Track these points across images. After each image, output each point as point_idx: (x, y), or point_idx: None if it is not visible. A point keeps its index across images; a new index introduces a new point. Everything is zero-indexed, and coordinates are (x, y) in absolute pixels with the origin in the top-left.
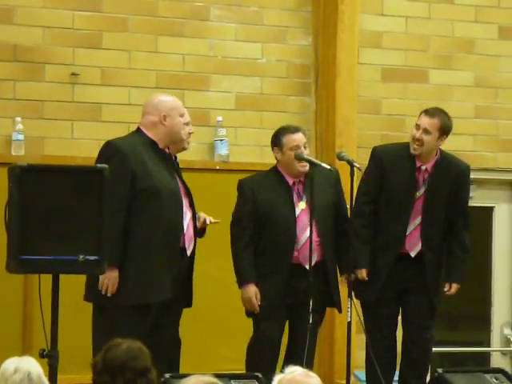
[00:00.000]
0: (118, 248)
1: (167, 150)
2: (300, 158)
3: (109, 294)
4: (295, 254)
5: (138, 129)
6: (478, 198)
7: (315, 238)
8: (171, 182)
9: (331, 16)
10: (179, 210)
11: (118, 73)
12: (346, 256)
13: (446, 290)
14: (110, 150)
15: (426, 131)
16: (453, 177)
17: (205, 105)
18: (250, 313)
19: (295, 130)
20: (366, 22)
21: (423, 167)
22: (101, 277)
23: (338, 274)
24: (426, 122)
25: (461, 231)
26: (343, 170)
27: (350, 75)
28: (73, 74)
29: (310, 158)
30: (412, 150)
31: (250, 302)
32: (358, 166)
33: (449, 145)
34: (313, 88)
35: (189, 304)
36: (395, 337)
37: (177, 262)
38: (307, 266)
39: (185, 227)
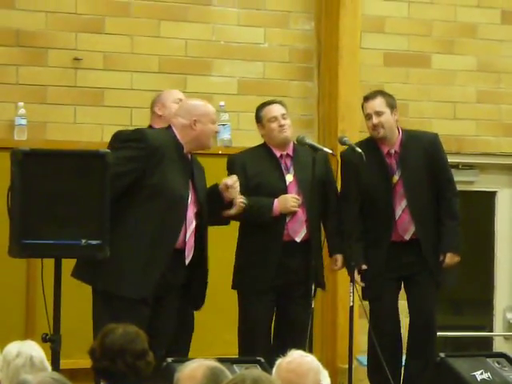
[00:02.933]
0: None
1: (190, 157)
2: (302, 143)
3: None
4: (285, 229)
5: (169, 127)
6: (480, 183)
7: (302, 214)
8: (182, 188)
9: (334, 1)
10: (181, 216)
11: (120, 58)
12: (336, 237)
13: (441, 259)
14: (137, 137)
15: (377, 113)
16: (423, 149)
17: (207, 89)
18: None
19: (271, 102)
20: (369, 6)
21: (392, 150)
22: None
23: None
24: (371, 105)
25: (448, 198)
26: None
27: (353, 60)
28: (75, 59)
29: (312, 142)
30: (377, 135)
31: (290, 203)
32: (360, 150)
33: (451, 129)
34: (315, 73)
35: (196, 307)
36: (399, 322)
37: (167, 263)
38: (297, 239)
39: (187, 235)
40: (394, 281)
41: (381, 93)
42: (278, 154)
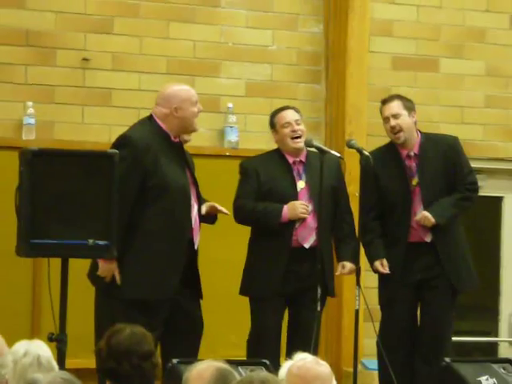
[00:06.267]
0: (120, 241)
1: (177, 140)
2: (310, 146)
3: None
4: (294, 235)
5: (151, 117)
6: (487, 188)
7: (313, 221)
8: (181, 176)
9: (342, 4)
10: (188, 205)
11: (128, 58)
12: (345, 244)
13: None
14: (123, 144)
15: (394, 116)
16: (443, 152)
17: (215, 91)
18: (251, 298)
19: (285, 108)
20: (377, 10)
21: (411, 153)
22: (100, 266)
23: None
24: (388, 108)
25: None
26: (353, 158)
27: (361, 63)
28: (84, 59)
29: (319, 145)
30: (396, 140)
31: (298, 210)
32: (367, 153)
33: (459, 134)
34: (323, 75)
35: (200, 295)
36: (416, 325)
37: (184, 259)
38: (306, 245)
39: (192, 221)
40: (410, 288)
41: (398, 96)
42: (290, 160)
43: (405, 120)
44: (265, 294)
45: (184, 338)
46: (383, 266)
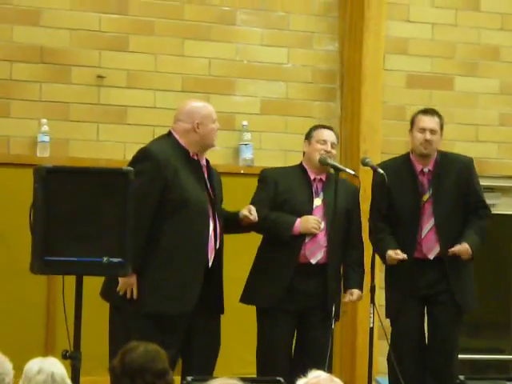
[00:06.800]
0: (139, 255)
1: (196, 157)
2: (324, 163)
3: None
4: (302, 249)
5: (170, 133)
6: (502, 206)
7: (323, 239)
8: (200, 193)
9: (357, 22)
10: (205, 221)
11: (143, 76)
12: (354, 270)
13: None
14: (144, 157)
15: (432, 131)
16: (457, 172)
17: (230, 109)
18: (259, 310)
19: (327, 127)
20: (392, 28)
21: (425, 169)
22: (120, 281)
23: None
24: (430, 121)
25: (479, 216)
26: (367, 176)
27: (376, 81)
28: (99, 77)
29: (334, 163)
30: (423, 150)
31: (310, 224)
32: (381, 171)
33: (473, 152)
34: (338, 93)
35: (221, 311)
36: (424, 339)
37: (201, 274)
38: (313, 261)
39: (208, 239)
40: (417, 300)
41: (437, 113)
42: (311, 176)
43: (437, 138)
44: (267, 305)
45: (201, 355)
46: (397, 253)
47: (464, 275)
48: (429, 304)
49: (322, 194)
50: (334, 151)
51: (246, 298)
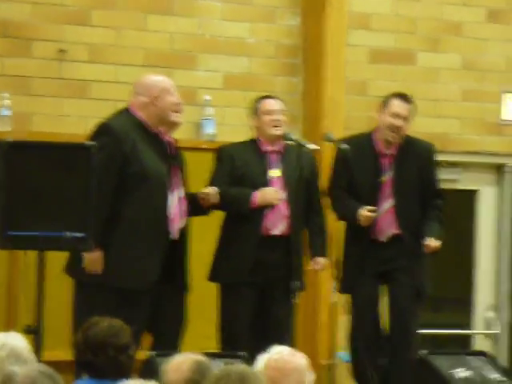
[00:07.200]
0: (101, 229)
1: (158, 131)
2: (288, 139)
3: (91, 273)
4: (263, 222)
5: (128, 108)
6: (463, 182)
7: (284, 209)
8: (160, 166)
9: None
10: (166, 194)
11: (105, 50)
12: (317, 238)
13: (423, 243)
14: (103, 131)
15: (405, 118)
16: (418, 158)
17: (192, 83)
18: (223, 285)
19: (270, 96)
20: (355, 3)
21: (388, 151)
22: (85, 257)
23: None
24: (405, 108)
25: (433, 206)
26: (330, 151)
27: (338, 56)
28: (61, 51)
29: (297, 138)
30: (390, 138)
31: (269, 196)
32: (345, 147)
33: (435, 127)
34: (301, 69)
35: (185, 288)
36: (378, 318)
37: (164, 248)
38: (275, 232)
39: (172, 211)
40: (373, 277)
41: (411, 99)
42: (266, 148)
43: (407, 126)
44: (234, 280)
45: (167, 330)
46: (368, 210)
47: (421, 255)
48: (386, 281)
49: (279, 166)
50: (283, 117)
51: (212, 276)
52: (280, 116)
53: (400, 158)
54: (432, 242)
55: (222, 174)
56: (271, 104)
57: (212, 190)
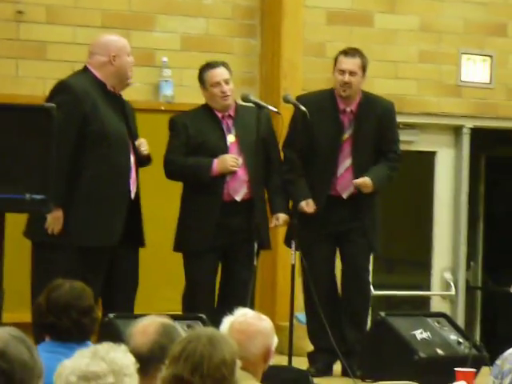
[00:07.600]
0: (63, 188)
1: (114, 91)
2: (247, 101)
3: (54, 233)
4: (225, 189)
5: (86, 68)
6: (420, 143)
7: (244, 174)
8: (120, 125)
9: None
10: (126, 153)
11: (63, 11)
12: (278, 196)
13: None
14: (62, 90)
15: (351, 73)
16: (378, 116)
17: (150, 45)
18: (186, 253)
19: (215, 65)
20: None
21: (348, 109)
22: (48, 218)
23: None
24: (349, 63)
25: (389, 159)
26: (289, 112)
27: (296, 18)
28: (18, 12)
29: (256, 100)
30: (342, 93)
31: (228, 163)
32: (304, 109)
33: (393, 89)
34: (258, 30)
35: (141, 244)
36: (334, 278)
37: (125, 206)
38: (237, 198)
39: (132, 173)
40: (328, 237)
41: (360, 53)
42: (219, 114)
43: (358, 80)
44: (198, 248)
45: (122, 290)
46: (309, 205)
47: (375, 215)
48: (340, 242)
49: (233, 130)
50: (230, 86)
51: (177, 247)
52: (227, 86)
53: (359, 116)
54: (360, 180)
55: (178, 145)
56: (217, 75)
57: (143, 140)
